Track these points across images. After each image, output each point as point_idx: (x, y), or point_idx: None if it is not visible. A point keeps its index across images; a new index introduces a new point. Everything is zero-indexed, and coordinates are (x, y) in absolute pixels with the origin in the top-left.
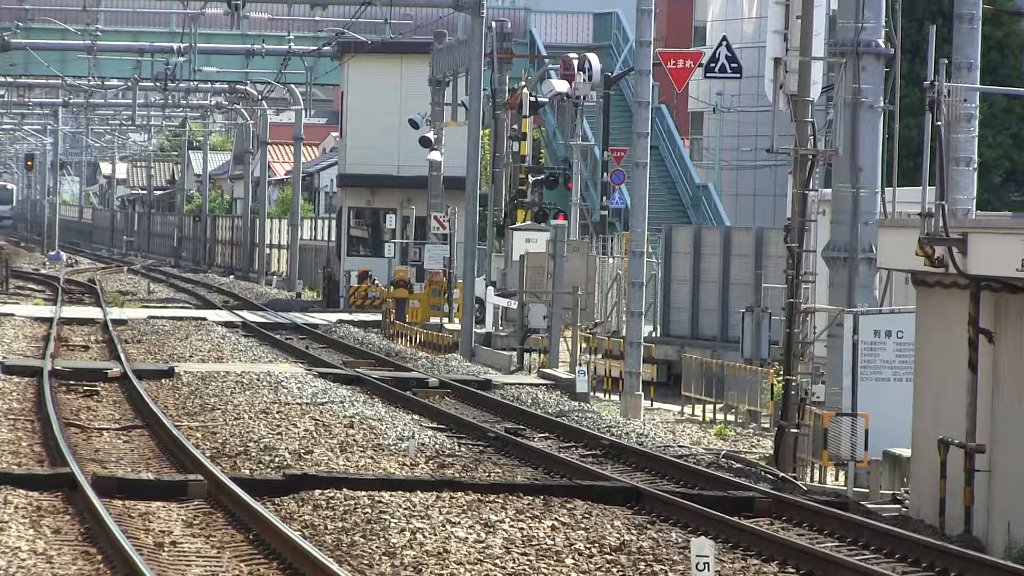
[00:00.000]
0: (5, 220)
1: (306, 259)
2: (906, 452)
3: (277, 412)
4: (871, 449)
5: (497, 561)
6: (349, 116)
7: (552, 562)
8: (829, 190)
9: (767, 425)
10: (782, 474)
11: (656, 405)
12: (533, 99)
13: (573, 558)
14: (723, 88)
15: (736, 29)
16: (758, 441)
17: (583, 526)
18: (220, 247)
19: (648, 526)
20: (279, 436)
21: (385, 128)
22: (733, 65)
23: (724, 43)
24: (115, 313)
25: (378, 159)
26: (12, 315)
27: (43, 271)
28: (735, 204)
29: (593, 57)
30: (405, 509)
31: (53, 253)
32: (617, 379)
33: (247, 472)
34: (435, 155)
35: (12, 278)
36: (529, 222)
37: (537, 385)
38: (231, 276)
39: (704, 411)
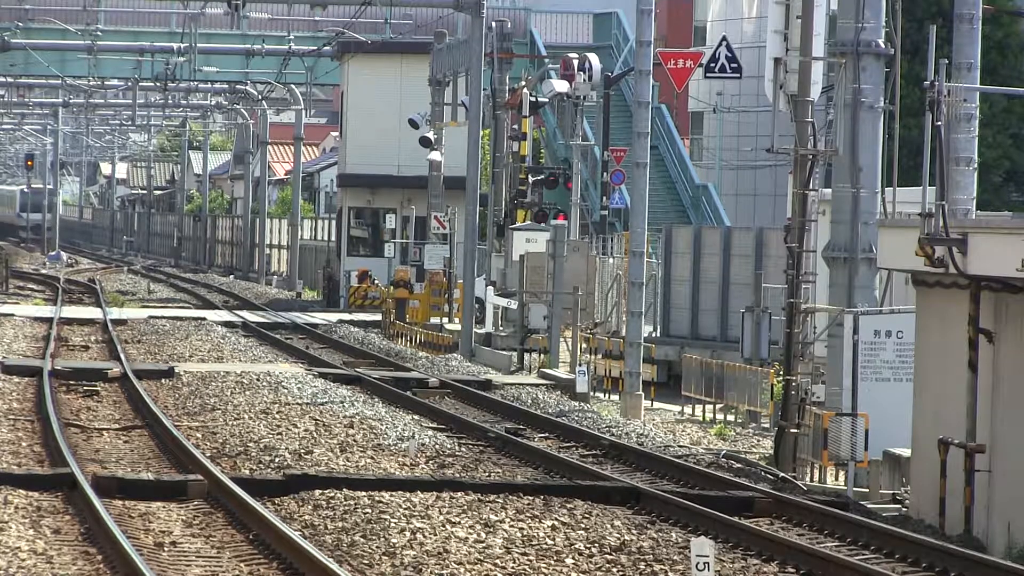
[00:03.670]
0: (49, 231)
1: (306, 259)
2: (906, 452)
3: (277, 412)
4: (871, 449)
5: (497, 561)
6: (349, 116)
7: (552, 562)
8: (829, 190)
9: (767, 425)
10: (782, 474)
11: (656, 405)
12: (533, 99)
13: (573, 558)
14: (723, 88)
15: (736, 29)
16: (758, 441)
17: (583, 526)
18: (220, 247)
19: (648, 526)
20: (279, 436)
21: (385, 128)
22: (733, 65)
23: (724, 43)
24: (115, 313)
25: (378, 159)
26: (12, 315)
27: (43, 271)
28: (735, 204)
29: (593, 57)
30: (405, 509)
31: (53, 253)
32: (617, 379)
33: (247, 472)
34: (435, 155)
35: (12, 278)
36: (529, 222)
37: (537, 385)
38: (231, 276)
39: (704, 411)
